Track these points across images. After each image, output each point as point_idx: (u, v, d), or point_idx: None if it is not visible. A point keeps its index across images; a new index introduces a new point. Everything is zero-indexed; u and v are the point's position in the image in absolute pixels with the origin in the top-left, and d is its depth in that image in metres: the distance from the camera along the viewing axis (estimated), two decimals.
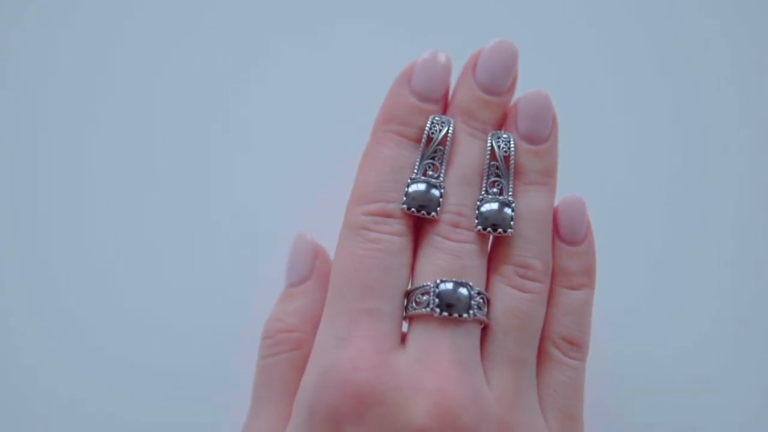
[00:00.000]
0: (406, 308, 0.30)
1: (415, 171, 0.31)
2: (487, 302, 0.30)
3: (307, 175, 0.41)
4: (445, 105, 0.32)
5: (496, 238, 0.31)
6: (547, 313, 0.31)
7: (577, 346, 0.31)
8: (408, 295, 0.30)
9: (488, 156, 0.31)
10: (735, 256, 0.41)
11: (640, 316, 0.40)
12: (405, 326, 0.30)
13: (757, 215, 0.42)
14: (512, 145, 0.31)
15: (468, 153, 0.31)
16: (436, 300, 0.29)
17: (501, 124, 0.32)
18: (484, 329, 0.30)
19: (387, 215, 0.30)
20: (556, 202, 0.32)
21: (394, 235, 0.30)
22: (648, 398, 0.39)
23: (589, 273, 0.32)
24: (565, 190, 0.32)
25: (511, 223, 0.30)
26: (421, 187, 0.30)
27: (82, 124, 0.43)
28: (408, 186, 0.30)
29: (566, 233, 0.31)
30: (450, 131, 0.31)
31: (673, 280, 0.40)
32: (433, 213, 0.30)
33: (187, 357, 0.39)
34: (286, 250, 0.34)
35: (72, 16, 0.44)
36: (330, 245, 0.32)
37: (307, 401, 0.28)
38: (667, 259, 0.41)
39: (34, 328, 0.40)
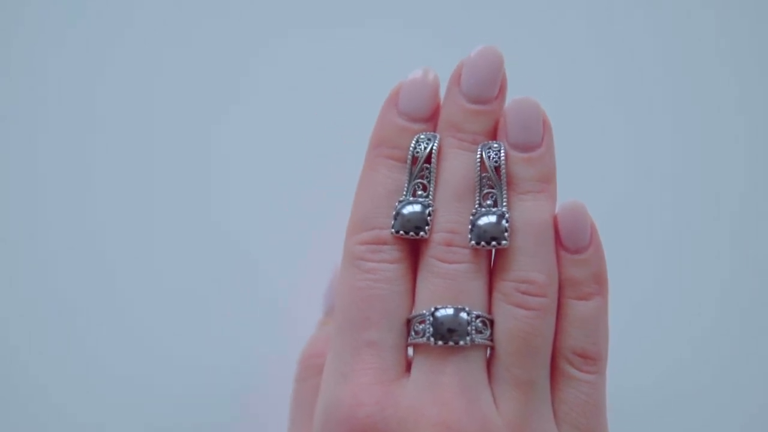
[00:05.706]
0: (409, 336, 0.29)
1: (404, 193, 0.30)
2: (491, 323, 0.29)
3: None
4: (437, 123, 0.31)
5: (496, 254, 0.30)
6: (557, 328, 0.29)
7: (591, 359, 0.29)
8: (408, 323, 0.29)
9: (478, 167, 0.29)
10: (735, 260, 0.40)
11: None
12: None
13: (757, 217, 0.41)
14: (502, 154, 0.29)
15: (457, 167, 0.30)
16: (431, 329, 0.28)
17: (494, 133, 0.30)
18: (493, 350, 0.29)
19: (381, 242, 0.29)
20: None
21: (390, 262, 0.29)
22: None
23: (598, 280, 0.30)
24: (568, 195, 0.31)
25: (505, 234, 0.29)
26: (408, 208, 0.29)
27: (82, 131, 0.44)
28: (396, 209, 0.29)
29: (568, 241, 0.29)
30: (435, 147, 0.29)
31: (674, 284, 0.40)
32: (422, 233, 0.29)
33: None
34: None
35: (73, 16, 0.45)
36: None
37: None
38: (669, 262, 0.39)
39: (44, 346, 0.42)
